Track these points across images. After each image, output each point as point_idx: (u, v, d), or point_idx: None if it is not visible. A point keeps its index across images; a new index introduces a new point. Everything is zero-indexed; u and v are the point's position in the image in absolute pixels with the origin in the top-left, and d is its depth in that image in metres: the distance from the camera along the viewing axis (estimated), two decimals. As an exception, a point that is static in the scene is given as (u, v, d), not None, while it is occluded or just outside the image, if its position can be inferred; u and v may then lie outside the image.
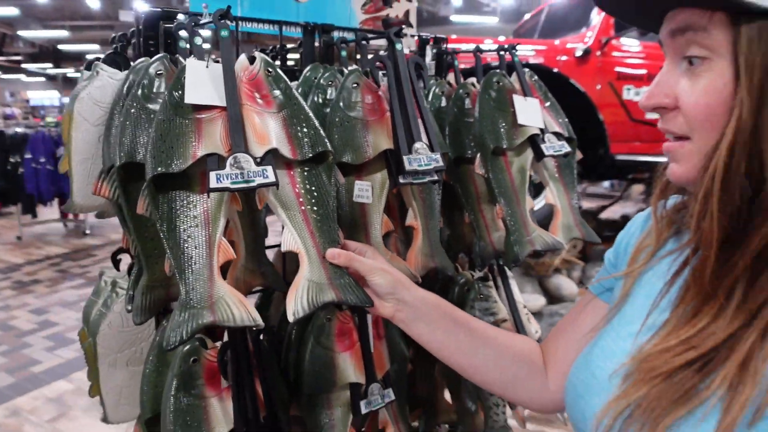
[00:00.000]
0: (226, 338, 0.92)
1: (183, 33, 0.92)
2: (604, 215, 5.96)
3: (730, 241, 0.57)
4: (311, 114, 0.84)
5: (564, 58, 4.15)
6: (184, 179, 0.79)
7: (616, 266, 0.82)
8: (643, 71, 4.35)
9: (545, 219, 1.21)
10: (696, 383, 0.55)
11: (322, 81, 1.02)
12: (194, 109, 0.78)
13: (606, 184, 9.88)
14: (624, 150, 4.27)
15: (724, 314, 0.57)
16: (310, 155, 0.82)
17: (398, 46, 0.97)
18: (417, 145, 0.95)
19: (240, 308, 0.77)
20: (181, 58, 0.86)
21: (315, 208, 0.82)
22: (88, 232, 7.62)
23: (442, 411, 1.31)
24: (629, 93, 4.18)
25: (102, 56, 1.04)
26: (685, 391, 0.55)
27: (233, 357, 0.88)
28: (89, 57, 1.14)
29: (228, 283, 0.78)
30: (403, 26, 1.26)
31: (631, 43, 4.35)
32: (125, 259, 1.07)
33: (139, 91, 0.84)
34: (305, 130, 0.83)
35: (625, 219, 5.27)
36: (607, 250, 0.87)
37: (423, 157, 0.95)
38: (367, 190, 0.98)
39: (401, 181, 0.95)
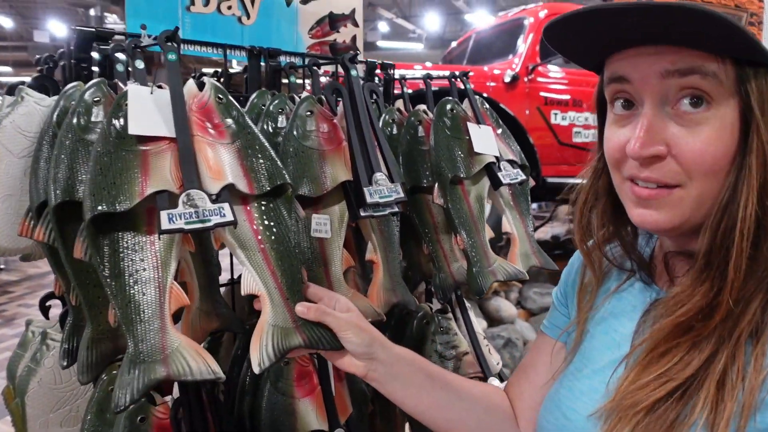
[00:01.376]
0: (176, 392, 0.83)
1: (120, 56, 0.84)
2: (536, 236, 6.11)
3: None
4: (267, 144, 0.78)
5: (493, 84, 4.25)
6: (128, 219, 0.71)
7: (566, 304, 0.81)
8: (567, 96, 4.52)
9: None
10: (679, 412, 0.54)
11: (271, 108, 0.96)
12: (139, 140, 0.70)
13: (534, 205, 10.19)
14: (553, 173, 4.39)
15: (700, 347, 0.56)
16: (268, 189, 0.76)
17: (353, 73, 0.93)
18: (377, 175, 0.91)
19: (197, 360, 0.70)
20: (120, 83, 0.79)
21: (275, 246, 0.76)
22: (2, 266, 7.06)
23: (402, 451, 1.25)
24: (556, 117, 4.32)
25: (27, 80, 0.94)
26: (670, 423, 0.54)
27: (187, 414, 0.80)
28: (1, 80, 1.03)
29: (182, 330, 0.71)
30: (351, 52, 1.22)
31: (555, 70, 4.52)
32: (56, 305, 0.96)
33: (75, 120, 0.75)
34: (261, 161, 0.77)
35: (555, 239, 5.42)
36: (554, 289, 0.85)
37: (383, 189, 0.91)
38: (325, 224, 0.92)
39: (362, 214, 0.90)
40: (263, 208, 0.77)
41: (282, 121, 0.96)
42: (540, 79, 4.39)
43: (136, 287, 0.70)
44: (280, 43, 1.09)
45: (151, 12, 0.88)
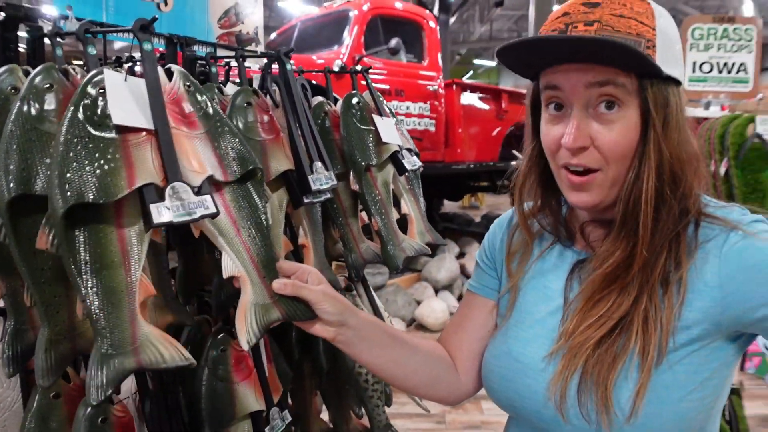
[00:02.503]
0: (133, 389, 0.81)
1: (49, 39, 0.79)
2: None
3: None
4: (234, 129, 0.80)
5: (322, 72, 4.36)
6: (99, 209, 0.69)
7: (495, 267, 0.96)
8: (388, 86, 4.82)
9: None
10: (619, 344, 0.72)
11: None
12: (117, 130, 0.68)
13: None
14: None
15: (627, 291, 0.74)
16: (240, 174, 0.79)
17: (288, 66, 0.98)
18: (318, 164, 0.97)
19: (169, 348, 0.71)
20: (70, 69, 0.74)
21: (251, 230, 0.79)
22: None
23: (315, 424, 1.32)
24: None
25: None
26: (614, 353, 0.72)
27: (155, 406, 0.79)
28: None
29: None
30: (253, 42, 1.24)
31: (377, 62, 4.76)
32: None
33: (25, 108, 0.70)
34: (231, 147, 0.79)
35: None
36: (477, 252, 1.01)
37: (322, 177, 0.98)
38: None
39: (306, 201, 0.95)
40: (236, 193, 0.79)
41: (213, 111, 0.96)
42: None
43: (107, 278, 0.68)
44: (194, 31, 1.08)
45: (77, -7, 0.83)
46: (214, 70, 1.05)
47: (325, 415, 1.39)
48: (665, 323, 0.71)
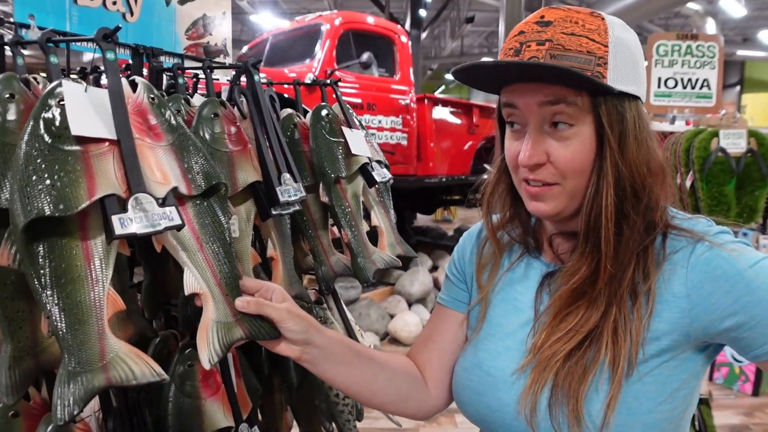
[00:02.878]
0: (96, 406, 0.79)
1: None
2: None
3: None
4: (199, 143, 0.80)
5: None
6: (62, 223, 0.67)
7: (464, 280, 0.96)
8: (359, 100, 4.83)
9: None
10: (589, 356, 0.73)
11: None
12: (77, 141, 0.67)
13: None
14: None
15: (595, 305, 0.74)
16: (204, 188, 0.78)
17: (257, 78, 0.97)
18: (286, 176, 0.96)
19: (139, 363, 0.69)
20: (31, 79, 0.73)
21: (214, 246, 0.78)
22: None
23: (285, 440, 1.30)
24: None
25: None
26: (584, 365, 0.72)
27: (119, 423, 0.77)
28: None
29: None
30: (222, 54, 1.23)
31: (349, 76, 4.78)
32: None
33: (-16, 120, 0.68)
34: (195, 161, 0.78)
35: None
36: (447, 265, 1.01)
37: (290, 188, 0.97)
38: (233, 224, 0.95)
39: (273, 212, 0.95)
40: (199, 207, 0.78)
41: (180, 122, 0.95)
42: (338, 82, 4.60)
43: (73, 294, 0.67)
44: (160, 42, 1.07)
45: (39, 2, 0.82)
46: (181, 81, 1.04)
47: (296, 431, 1.37)
48: (635, 334, 0.71)
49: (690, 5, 11.40)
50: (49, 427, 0.75)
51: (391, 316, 4.47)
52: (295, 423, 1.36)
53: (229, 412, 0.99)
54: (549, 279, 0.82)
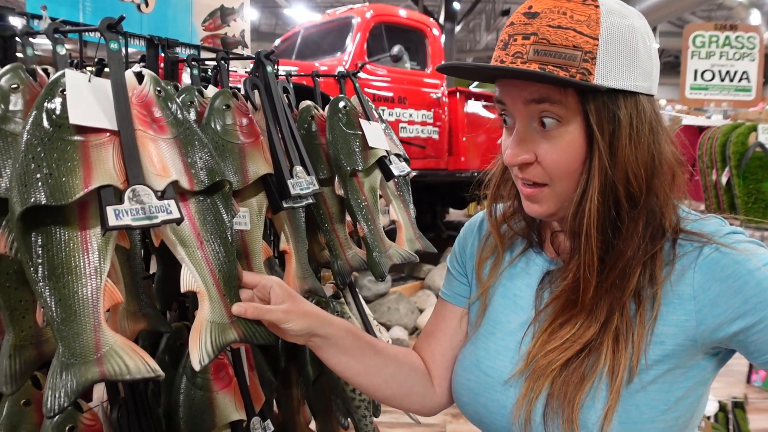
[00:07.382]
0: (104, 396, 0.79)
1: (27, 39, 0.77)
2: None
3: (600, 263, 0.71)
4: (204, 138, 0.79)
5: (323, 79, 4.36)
6: (60, 213, 0.67)
7: (465, 273, 0.93)
8: (391, 93, 4.80)
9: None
10: (587, 365, 0.70)
11: (180, 101, 0.95)
12: (77, 130, 0.67)
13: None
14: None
15: (594, 315, 0.71)
16: (208, 185, 0.76)
17: (270, 69, 0.96)
18: (298, 168, 0.95)
19: (135, 358, 0.69)
20: (39, 69, 0.73)
21: (215, 244, 0.77)
22: None
23: (301, 434, 1.29)
24: (384, 113, 4.57)
25: None
26: (581, 374, 0.69)
27: (125, 414, 0.77)
28: None
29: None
30: (240, 45, 1.23)
31: (381, 69, 4.76)
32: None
33: (-11, 109, 0.68)
34: (200, 156, 0.77)
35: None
36: (448, 258, 0.98)
37: (303, 181, 0.95)
38: (244, 217, 0.94)
39: (285, 205, 0.93)
40: (201, 204, 0.77)
41: (192, 114, 0.94)
42: (368, 76, 4.60)
43: (68, 285, 0.66)
44: (177, 33, 1.07)
45: (51, -7, 0.82)
46: (195, 72, 1.03)
47: (314, 425, 1.36)
48: (637, 340, 0.68)
49: (734, -4, 10.99)
50: (57, 417, 0.75)
51: (421, 311, 4.45)
52: (312, 418, 1.35)
53: (241, 405, 0.99)
54: (550, 277, 0.79)
